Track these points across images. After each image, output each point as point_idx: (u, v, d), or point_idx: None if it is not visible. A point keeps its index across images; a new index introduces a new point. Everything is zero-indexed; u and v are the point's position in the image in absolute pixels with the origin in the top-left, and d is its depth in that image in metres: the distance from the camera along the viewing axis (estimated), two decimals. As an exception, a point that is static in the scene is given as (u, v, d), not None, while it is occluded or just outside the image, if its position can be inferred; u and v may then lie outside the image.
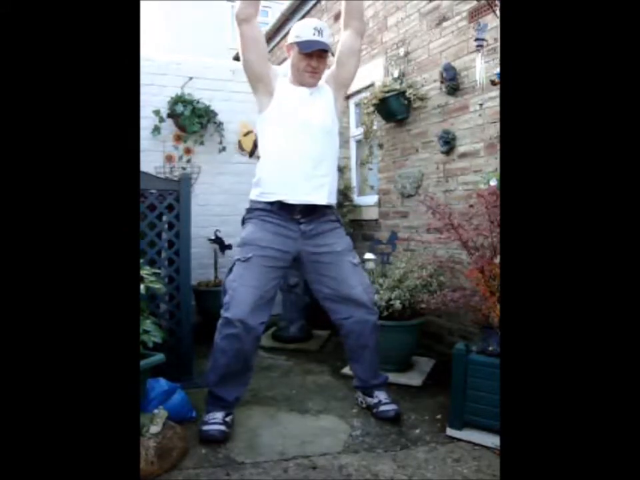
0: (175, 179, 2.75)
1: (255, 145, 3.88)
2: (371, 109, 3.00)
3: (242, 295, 1.87)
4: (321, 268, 2.03)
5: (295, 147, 1.95)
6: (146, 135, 3.44)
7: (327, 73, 2.11)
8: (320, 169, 1.98)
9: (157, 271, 2.24)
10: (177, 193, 2.42)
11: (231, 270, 1.96)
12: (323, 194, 1.99)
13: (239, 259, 1.95)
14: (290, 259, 2.01)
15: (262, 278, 1.92)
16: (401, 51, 3.08)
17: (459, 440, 1.86)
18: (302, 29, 1.97)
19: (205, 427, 1.86)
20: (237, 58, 6.85)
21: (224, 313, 1.88)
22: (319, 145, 1.99)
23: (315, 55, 1.94)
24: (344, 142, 3.80)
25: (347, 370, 2.62)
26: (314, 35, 1.94)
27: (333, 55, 2.02)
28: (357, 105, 3.68)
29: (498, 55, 2.27)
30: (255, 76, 1.98)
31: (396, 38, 3.18)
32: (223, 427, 1.86)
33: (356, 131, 3.76)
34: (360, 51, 2.12)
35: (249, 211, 2.05)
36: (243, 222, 2.07)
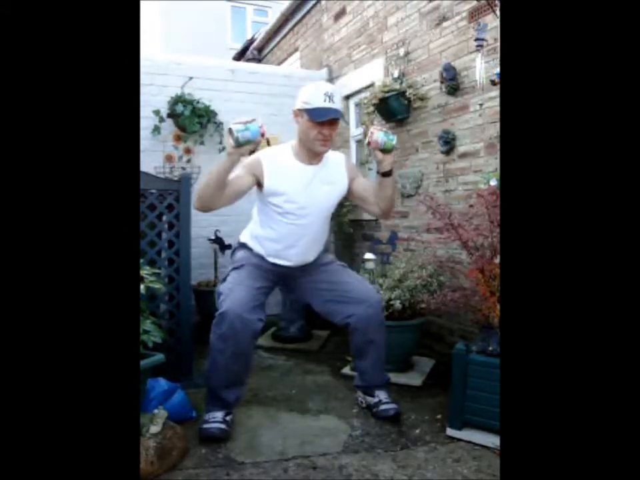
0: (175, 178, 2.75)
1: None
2: (371, 108, 3.00)
3: (237, 292, 1.89)
4: (314, 278, 2.10)
5: (292, 230, 1.99)
6: (146, 135, 3.44)
7: (352, 167, 2.14)
8: (315, 243, 2.08)
9: (157, 270, 2.24)
10: (177, 193, 2.42)
11: (224, 279, 2.03)
12: (316, 254, 2.11)
13: (233, 269, 2.04)
14: (281, 275, 2.10)
15: (256, 280, 1.98)
16: (401, 51, 3.08)
17: (459, 440, 1.86)
18: (312, 95, 1.86)
19: (205, 425, 1.86)
20: (237, 58, 6.86)
21: (218, 310, 1.88)
22: (319, 225, 2.05)
23: (326, 123, 1.85)
24: (344, 142, 3.80)
25: (347, 370, 2.62)
26: (325, 101, 1.83)
27: (345, 122, 1.99)
28: (357, 104, 3.68)
29: (498, 55, 2.26)
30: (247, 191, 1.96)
31: (396, 38, 3.17)
32: (222, 426, 1.86)
33: (356, 131, 3.76)
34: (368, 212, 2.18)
35: (242, 246, 2.13)
36: (233, 252, 2.17)
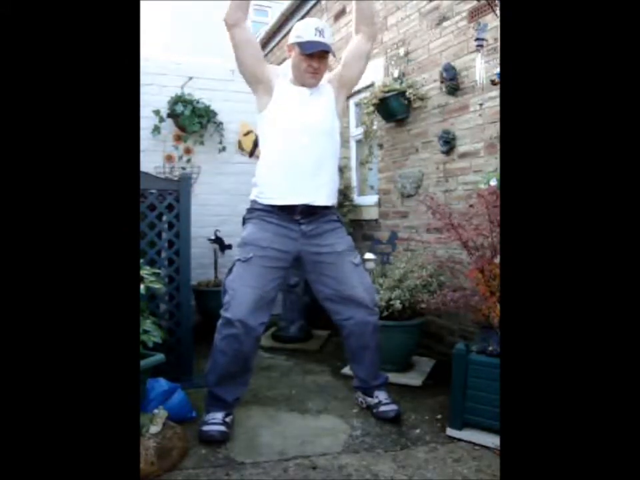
0: (175, 178, 2.75)
1: (255, 145, 3.88)
2: (371, 108, 3.00)
3: (242, 296, 1.87)
4: (322, 268, 2.02)
5: (295, 148, 1.94)
6: (146, 135, 3.44)
7: (330, 73, 2.11)
8: (320, 170, 1.98)
9: (157, 270, 2.24)
10: (177, 193, 2.42)
11: (230, 270, 1.96)
12: (323, 195, 1.98)
13: (239, 259, 1.94)
14: (290, 259, 2.01)
15: (262, 278, 1.92)
16: (401, 51, 3.08)
17: (459, 440, 1.86)
18: (303, 29, 1.96)
19: (205, 427, 1.86)
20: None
21: (224, 313, 1.88)
22: (319, 146, 1.98)
23: (316, 55, 1.93)
24: (344, 142, 3.79)
25: (347, 370, 2.62)
26: (315, 35, 1.92)
27: (334, 55, 2.01)
28: (357, 104, 3.68)
29: (498, 55, 2.26)
30: (253, 77, 1.98)
31: (396, 38, 3.17)
32: (222, 427, 1.86)
33: (356, 131, 3.76)
34: (368, 55, 2.10)
35: (250, 211, 2.04)
36: (244, 222, 2.06)
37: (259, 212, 1.99)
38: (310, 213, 1.98)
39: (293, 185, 1.94)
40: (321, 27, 1.95)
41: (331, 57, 2.03)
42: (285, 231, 1.97)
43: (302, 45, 1.93)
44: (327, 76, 2.09)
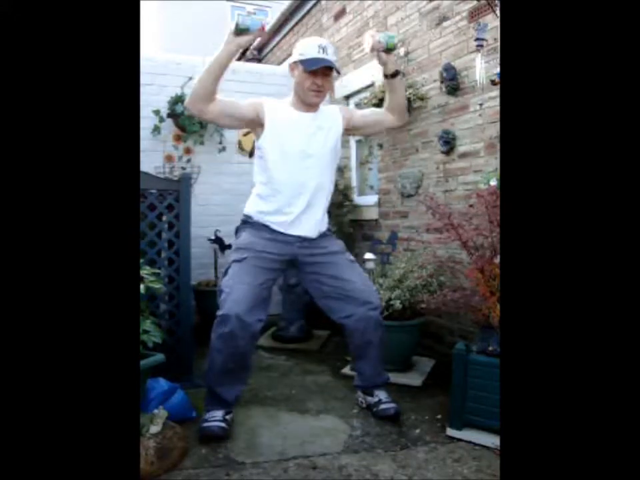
0: (175, 178, 2.75)
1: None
2: (371, 108, 2.99)
3: (237, 292, 1.87)
4: (319, 267, 2.04)
5: (294, 179, 1.96)
6: (146, 135, 3.44)
7: (347, 109, 2.16)
8: (316, 202, 2.01)
9: (157, 270, 2.24)
10: (177, 193, 2.42)
11: (226, 272, 1.98)
12: (315, 228, 2.04)
13: (234, 260, 1.97)
14: (285, 262, 2.04)
15: (257, 276, 1.93)
16: (401, 51, 3.08)
17: (459, 440, 1.86)
18: (306, 47, 1.93)
19: (205, 424, 1.87)
20: (237, 58, 6.85)
21: (219, 311, 1.88)
22: (319, 175, 2.01)
23: (319, 73, 1.91)
24: (344, 142, 3.79)
25: (347, 370, 2.62)
26: (318, 52, 1.90)
27: (338, 72, 2.00)
28: (357, 104, 3.68)
29: (498, 55, 2.26)
30: (241, 126, 2.03)
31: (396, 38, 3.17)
32: (223, 424, 1.86)
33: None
34: (383, 130, 2.21)
35: (244, 222, 2.08)
36: (237, 231, 2.11)
37: (253, 223, 2.03)
38: (309, 240, 2.05)
39: (287, 221, 1.99)
40: (324, 44, 1.93)
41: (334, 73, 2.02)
42: (280, 236, 2.00)
43: (305, 63, 1.90)
44: (340, 107, 2.14)
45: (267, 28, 5.73)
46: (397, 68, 1.99)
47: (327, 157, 2.03)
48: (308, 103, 1.98)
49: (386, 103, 2.09)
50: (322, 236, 2.08)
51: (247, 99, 1.98)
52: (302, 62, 1.91)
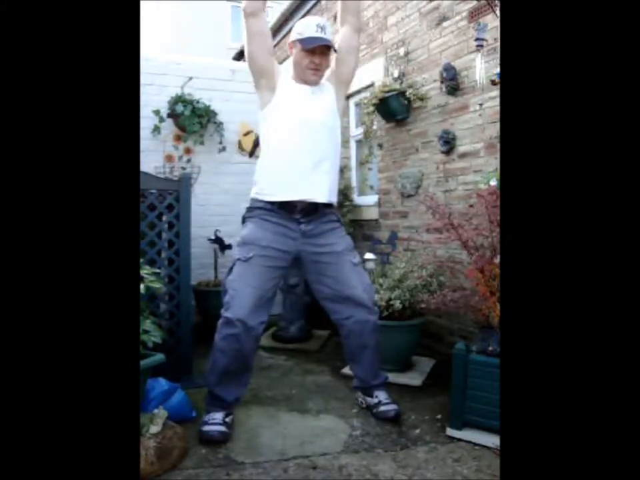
0: (175, 178, 2.75)
1: (255, 145, 3.88)
2: (371, 108, 3.00)
3: (242, 295, 1.87)
4: (321, 268, 2.02)
5: (296, 144, 1.95)
6: (146, 135, 3.44)
7: (328, 72, 2.10)
8: (320, 167, 1.97)
9: (157, 270, 2.24)
10: (177, 193, 2.42)
11: (231, 270, 1.96)
12: (324, 192, 1.98)
13: (239, 259, 1.94)
14: (290, 259, 2.01)
15: (262, 278, 1.92)
16: (401, 51, 3.08)
17: (459, 440, 1.86)
18: (304, 27, 1.96)
19: (205, 428, 1.86)
20: (237, 58, 6.85)
21: (224, 313, 1.88)
22: (320, 143, 1.98)
23: (317, 51, 1.93)
24: (344, 142, 3.79)
25: (347, 370, 2.62)
26: (316, 31, 1.93)
27: (335, 51, 2.01)
28: (357, 104, 3.68)
29: (498, 55, 2.26)
30: (259, 70, 1.97)
31: (396, 38, 3.17)
32: (222, 428, 1.86)
33: (356, 131, 3.76)
34: (358, 48, 2.13)
35: (250, 209, 2.04)
36: (244, 220, 2.06)
37: (258, 210, 1.99)
38: (310, 211, 1.98)
39: (293, 181, 1.94)
40: (322, 23, 1.96)
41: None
42: (284, 230, 1.97)
43: (303, 41, 1.93)
44: (325, 74, 2.10)
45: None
46: None
47: (328, 123, 2.01)
48: (306, 81, 2.00)
49: (338, 13, 2.10)
50: (331, 228, 2.04)
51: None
52: (300, 41, 1.94)
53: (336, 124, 2.06)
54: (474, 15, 2.52)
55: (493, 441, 1.76)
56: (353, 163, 3.84)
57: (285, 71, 2.06)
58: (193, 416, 2.02)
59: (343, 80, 2.10)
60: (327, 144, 2.01)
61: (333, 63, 2.10)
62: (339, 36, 2.07)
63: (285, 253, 1.97)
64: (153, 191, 2.40)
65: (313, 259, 2.02)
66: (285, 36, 5.30)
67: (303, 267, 2.08)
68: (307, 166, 1.94)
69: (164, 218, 2.44)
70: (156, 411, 1.77)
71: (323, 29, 1.94)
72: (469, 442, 1.83)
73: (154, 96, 3.51)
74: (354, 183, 3.79)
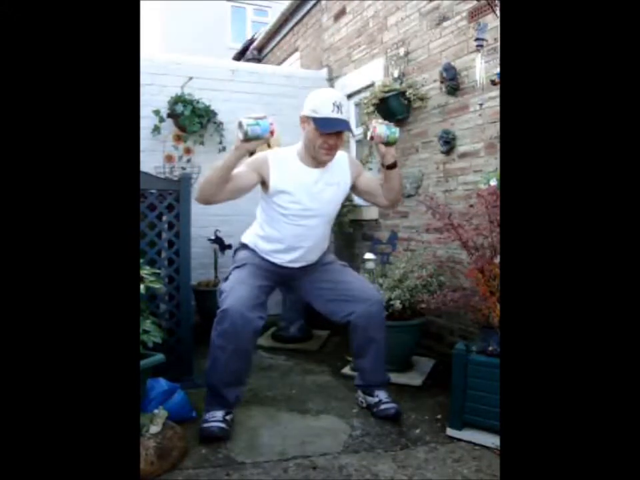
0: (175, 178, 2.74)
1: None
2: (371, 108, 2.99)
3: (238, 290, 1.90)
4: (315, 277, 2.11)
5: (294, 235, 1.99)
6: (146, 135, 3.44)
7: (357, 164, 2.12)
8: (317, 247, 2.08)
9: (157, 270, 2.24)
10: (177, 193, 2.42)
11: (227, 279, 2.03)
12: (318, 255, 2.11)
13: (234, 267, 2.05)
14: (281, 281, 2.13)
15: (257, 278, 1.99)
16: (401, 51, 3.08)
17: (459, 440, 1.86)
18: (319, 103, 1.85)
19: (205, 425, 1.86)
20: (237, 58, 6.86)
21: (220, 308, 1.88)
22: (322, 230, 2.05)
23: (333, 133, 1.85)
24: (344, 142, 3.80)
25: (347, 370, 2.62)
26: (332, 111, 1.82)
27: (351, 133, 1.99)
28: (357, 104, 3.68)
29: (498, 55, 2.26)
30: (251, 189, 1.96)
31: (396, 38, 3.18)
32: (223, 425, 1.86)
33: (356, 131, 3.75)
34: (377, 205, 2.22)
35: (243, 246, 2.13)
36: (235, 253, 2.17)
37: (252, 254, 2.09)
38: (304, 268, 2.10)
39: (288, 257, 2.03)
40: (338, 101, 1.85)
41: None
42: (277, 269, 2.08)
43: (319, 122, 1.83)
44: (350, 159, 2.09)
45: (267, 29, 5.75)
46: (395, 160, 1.93)
47: (332, 212, 2.07)
48: (318, 161, 1.94)
49: (382, 189, 2.03)
50: (326, 269, 2.15)
51: (248, 159, 1.93)
52: (315, 120, 1.84)
53: (338, 209, 2.11)
54: (474, 15, 2.52)
55: (492, 441, 1.76)
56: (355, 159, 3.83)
57: (283, 153, 1.99)
58: (193, 416, 2.02)
59: (354, 187, 2.09)
60: (326, 228, 2.08)
61: (363, 176, 2.09)
62: (379, 184, 2.05)
63: (278, 276, 2.09)
64: (153, 190, 2.40)
65: (307, 278, 2.12)
66: (285, 36, 5.30)
67: (297, 286, 2.18)
68: (303, 248, 2.02)
69: (164, 218, 2.44)
70: (156, 411, 1.77)
71: (339, 107, 1.84)
72: (469, 442, 1.83)
73: (154, 96, 3.50)
74: (354, 183, 3.78)
